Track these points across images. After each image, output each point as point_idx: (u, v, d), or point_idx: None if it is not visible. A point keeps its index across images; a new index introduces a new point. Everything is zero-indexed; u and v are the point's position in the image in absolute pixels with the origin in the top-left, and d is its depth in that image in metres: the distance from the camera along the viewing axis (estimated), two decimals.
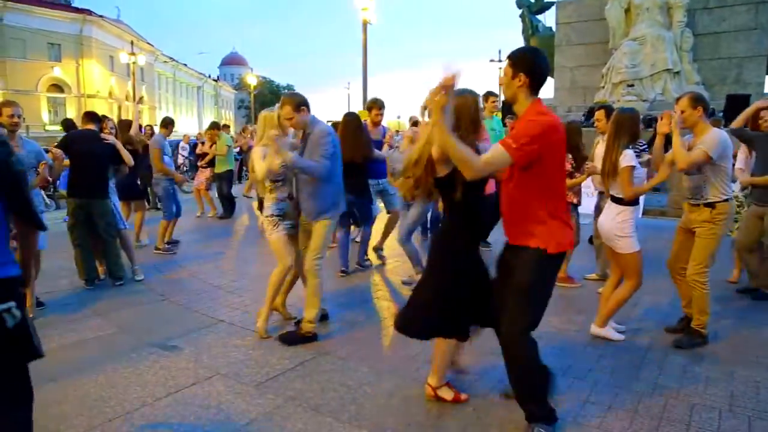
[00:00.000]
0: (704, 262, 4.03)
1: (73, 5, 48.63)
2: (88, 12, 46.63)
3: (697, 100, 3.95)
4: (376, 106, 6.69)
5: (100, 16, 47.89)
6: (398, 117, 47.00)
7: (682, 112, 3.93)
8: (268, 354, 3.99)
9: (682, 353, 3.92)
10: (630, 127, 4.06)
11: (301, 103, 4.09)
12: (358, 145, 5.82)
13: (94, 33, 47.21)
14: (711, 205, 3.99)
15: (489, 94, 7.05)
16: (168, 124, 7.87)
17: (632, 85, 12.95)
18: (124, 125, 7.67)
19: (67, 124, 9.89)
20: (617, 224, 4.06)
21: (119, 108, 47.30)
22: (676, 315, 4.45)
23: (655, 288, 4.99)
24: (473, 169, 2.58)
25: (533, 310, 2.80)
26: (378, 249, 6.94)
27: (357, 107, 22.94)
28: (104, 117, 6.52)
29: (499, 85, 2.73)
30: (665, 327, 4.37)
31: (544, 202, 2.73)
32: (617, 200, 4.12)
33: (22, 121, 4.92)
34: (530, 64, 2.70)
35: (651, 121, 10.34)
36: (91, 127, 5.86)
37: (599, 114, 5.37)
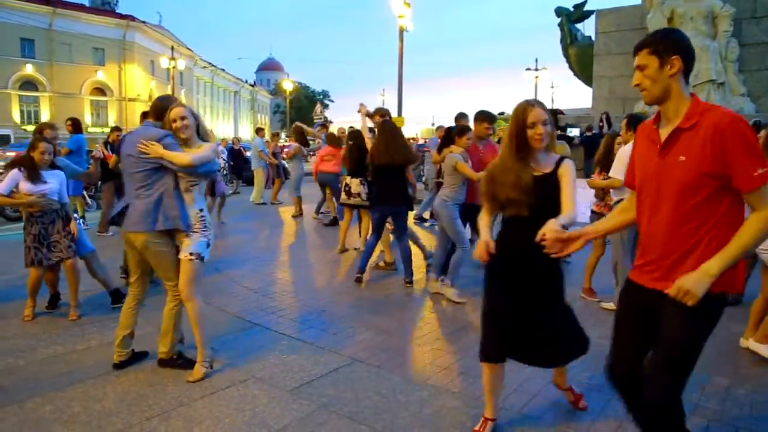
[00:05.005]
0: None
1: (117, 11, 50.27)
2: (132, 18, 48.13)
3: None
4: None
5: (143, 22, 49.33)
6: (432, 125, 47.13)
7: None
8: (302, 359, 4.01)
9: (725, 375, 3.78)
10: None
11: None
12: (396, 147, 5.85)
13: (136, 38, 48.71)
14: None
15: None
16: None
17: None
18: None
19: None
20: None
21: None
22: None
23: None
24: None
25: None
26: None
27: (392, 114, 22.88)
28: None
29: (635, 85, 2.13)
30: None
31: None
32: None
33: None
34: (682, 43, 2.08)
35: None
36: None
37: (622, 123, 5.25)
